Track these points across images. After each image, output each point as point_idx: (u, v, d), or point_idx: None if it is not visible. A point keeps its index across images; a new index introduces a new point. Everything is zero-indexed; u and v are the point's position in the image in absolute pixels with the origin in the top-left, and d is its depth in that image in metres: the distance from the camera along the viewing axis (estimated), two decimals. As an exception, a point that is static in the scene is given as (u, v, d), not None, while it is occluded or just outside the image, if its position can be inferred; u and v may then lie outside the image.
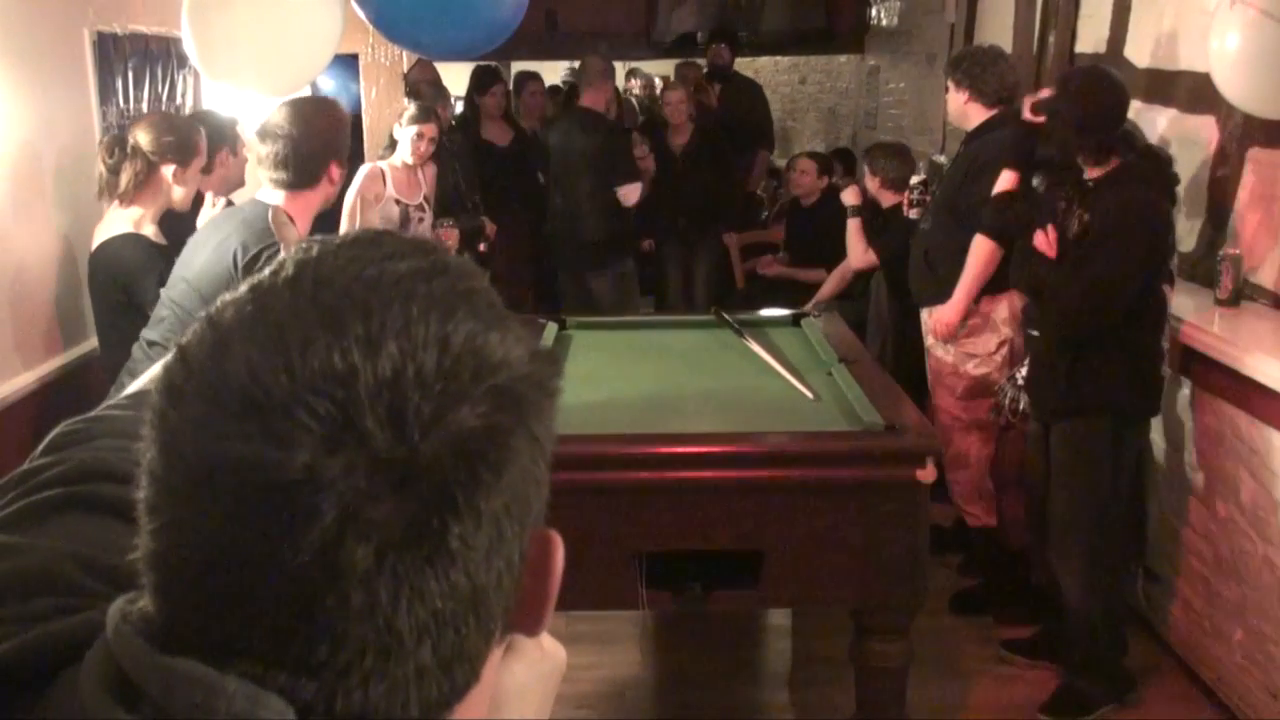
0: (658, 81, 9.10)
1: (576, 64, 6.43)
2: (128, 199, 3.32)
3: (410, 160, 4.88)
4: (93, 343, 3.59)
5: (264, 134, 2.98)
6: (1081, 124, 3.32)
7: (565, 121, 6.26)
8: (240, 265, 2.80)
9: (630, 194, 5.88)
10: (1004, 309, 3.95)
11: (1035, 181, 3.73)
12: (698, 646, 3.87)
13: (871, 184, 4.90)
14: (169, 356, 0.58)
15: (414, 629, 0.53)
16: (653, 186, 6.47)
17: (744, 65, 8.74)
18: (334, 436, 0.52)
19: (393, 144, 5.00)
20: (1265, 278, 3.60)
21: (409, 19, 3.05)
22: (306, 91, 4.88)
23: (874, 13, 8.44)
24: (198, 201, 3.57)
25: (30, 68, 3.49)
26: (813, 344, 3.80)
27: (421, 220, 4.93)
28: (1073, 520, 3.40)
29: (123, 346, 3.09)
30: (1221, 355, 3.33)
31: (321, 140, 3.00)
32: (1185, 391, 3.60)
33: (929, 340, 4.18)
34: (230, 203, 3.61)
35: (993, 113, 4.00)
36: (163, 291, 3.02)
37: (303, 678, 0.52)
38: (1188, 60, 3.96)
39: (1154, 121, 4.15)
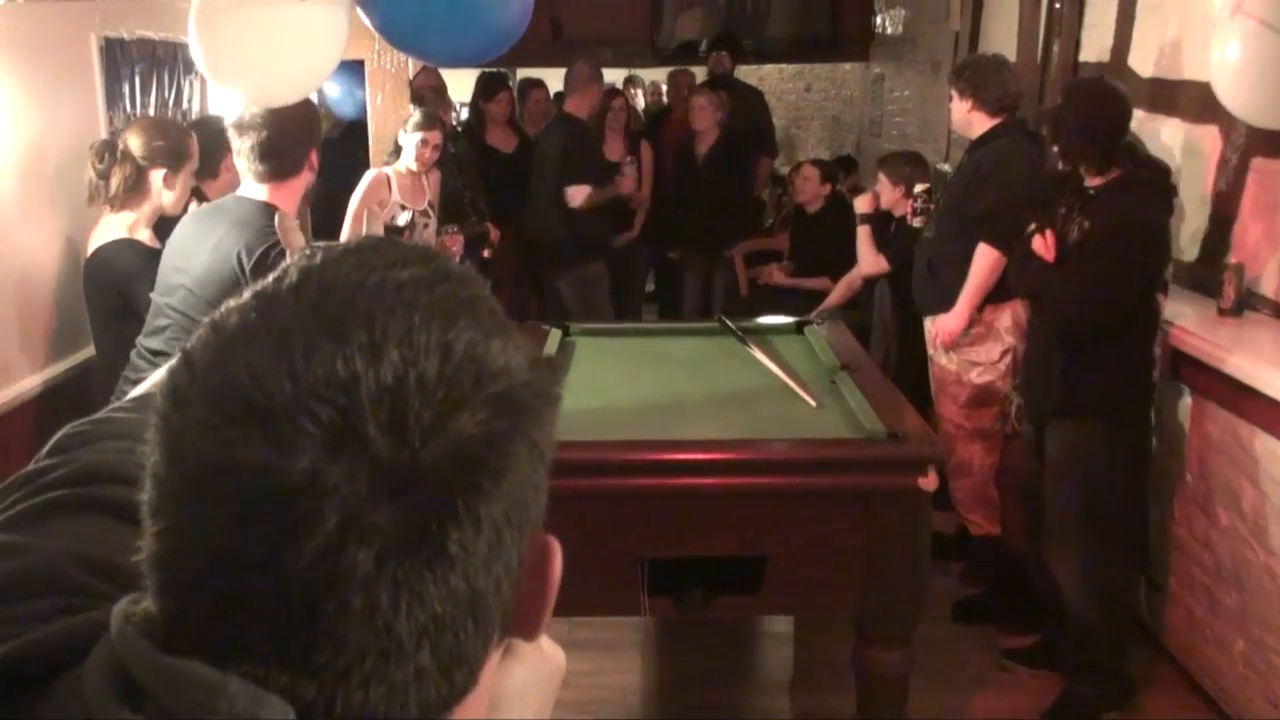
0: (663, 87, 9.13)
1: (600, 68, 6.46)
2: (118, 204, 3.32)
3: (414, 167, 4.89)
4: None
5: (241, 127, 2.97)
6: (1084, 133, 3.35)
7: (549, 126, 6.34)
8: (248, 268, 2.78)
9: (576, 195, 5.90)
10: (1007, 317, 3.96)
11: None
12: (699, 653, 3.87)
13: (894, 192, 4.90)
14: (173, 360, 0.58)
15: (413, 632, 0.54)
16: (675, 191, 6.49)
17: (749, 73, 8.77)
18: (336, 442, 0.52)
19: (397, 150, 5.02)
20: (1268, 287, 3.60)
21: (414, 26, 3.05)
22: (314, 98, 4.90)
23: (879, 21, 8.46)
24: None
25: (37, 72, 3.51)
26: (816, 351, 3.80)
27: (426, 226, 4.95)
28: (1068, 521, 3.43)
29: (119, 352, 3.08)
30: (1223, 364, 3.33)
31: (299, 127, 3.01)
32: (1187, 400, 3.61)
33: (932, 348, 4.19)
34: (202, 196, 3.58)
35: (996, 121, 4.01)
36: (156, 298, 2.99)
37: (303, 679, 0.53)
38: (1191, 70, 3.97)
39: (1157, 131, 4.16)
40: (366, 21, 3.14)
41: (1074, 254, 3.36)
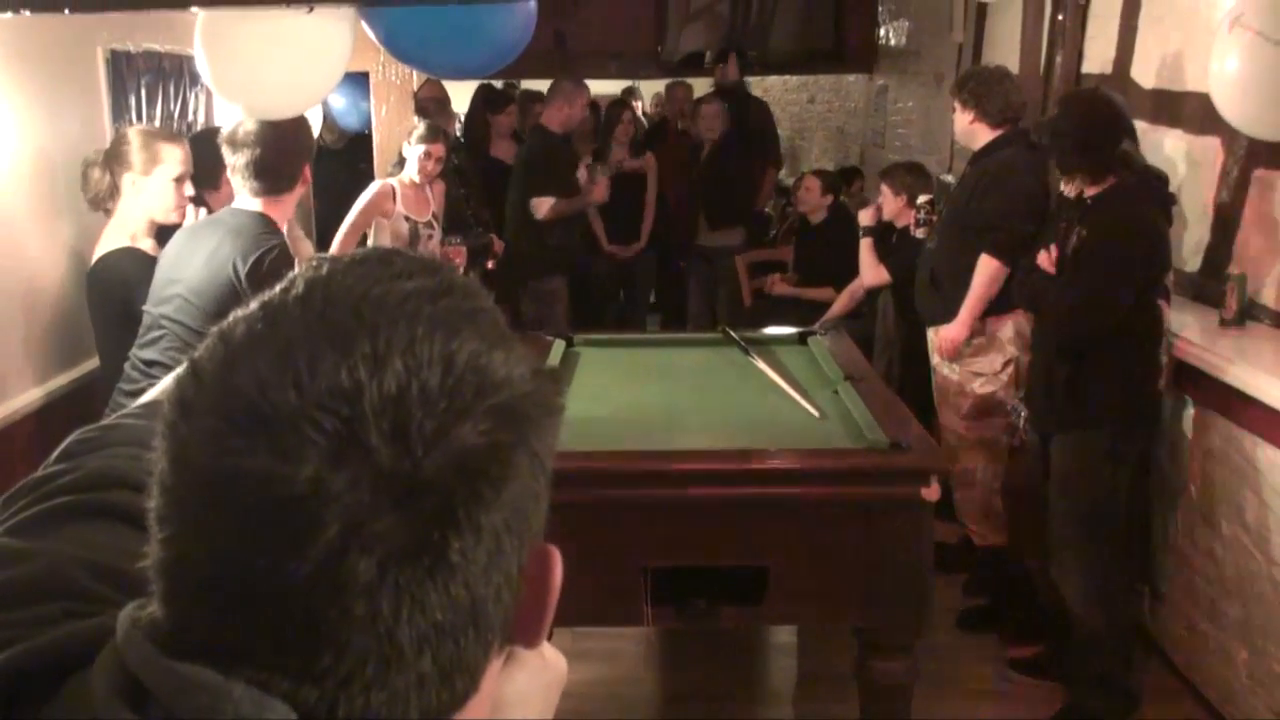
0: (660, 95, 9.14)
1: (585, 82, 6.44)
2: (99, 205, 3.36)
3: (417, 178, 4.91)
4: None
5: (234, 143, 2.98)
6: (1079, 143, 3.37)
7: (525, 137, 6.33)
8: (244, 275, 2.80)
9: (539, 206, 5.83)
10: (1009, 328, 3.97)
11: None
12: (702, 663, 3.87)
13: (896, 203, 4.91)
14: (181, 369, 0.59)
15: (415, 640, 0.55)
16: (681, 194, 6.50)
17: (753, 84, 8.77)
18: (339, 452, 0.53)
19: (402, 161, 5.04)
20: (1269, 298, 3.60)
21: (418, 39, 3.08)
22: (318, 110, 4.92)
23: (883, 32, 8.48)
24: None
25: (44, 84, 3.53)
26: (819, 362, 3.81)
27: (430, 237, 4.96)
28: (1073, 532, 3.42)
29: (123, 361, 3.09)
30: (1226, 375, 3.33)
31: (292, 143, 3.03)
32: (1190, 411, 3.61)
33: (935, 359, 4.20)
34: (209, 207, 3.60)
35: (999, 133, 4.02)
36: (150, 309, 3.00)
37: (306, 685, 0.54)
38: (1194, 81, 3.97)
39: (1160, 142, 4.17)
40: (371, 34, 3.16)
41: (1071, 261, 3.37)
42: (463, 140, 6.67)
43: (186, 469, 0.56)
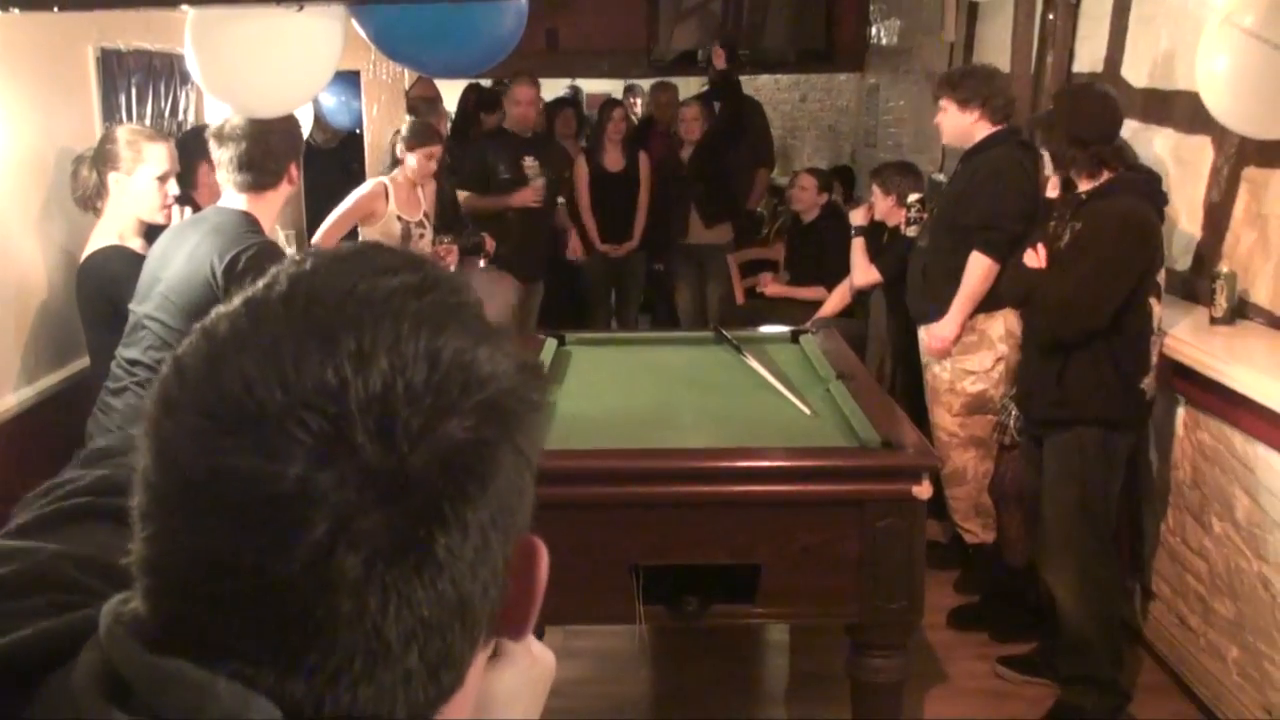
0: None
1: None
2: (87, 204, 3.36)
3: (416, 179, 4.91)
4: (91, 357, 3.60)
5: (221, 138, 2.98)
6: (1074, 138, 3.37)
7: None
8: (219, 273, 2.80)
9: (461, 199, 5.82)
10: (1000, 326, 3.97)
11: None
12: (694, 662, 3.87)
13: (887, 202, 4.92)
14: (165, 367, 0.59)
15: (402, 636, 0.55)
16: (662, 194, 6.48)
17: (744, 83, 8.76)
18: (325, 449, 0.53)
19: (394, 160, 5.02)
20: (1260, 296, 3.61)
21: (409, 37, 3.07)
22: (309, 108, 4.91)
23: (874, 32, 8.49)
24: None
25: (34, 83, 3.52)
26: (811, 361, 3.81)
27: (422, 236, 4.95)
28: (1065, 531, 3.43)
29: (111, 359, 3.09)
30: (1216, 373, 3.34)
31: (280, 139, 3.02)
32: (1180, 409, 3.62)
33: (926, 357, 4.20)
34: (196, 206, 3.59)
35: (998, 129, 4.02)
36: (134, 308, 3.00)
37: (292, 680, 0.54)
38: (1184, 81, 3.98)
39: (1151, 141, 4.17)
40: (362, 32, 3.16)
41: (1065, 254, 3.38)
42: (450, 138, 6.66)
43: (171, 466, 0.55)
